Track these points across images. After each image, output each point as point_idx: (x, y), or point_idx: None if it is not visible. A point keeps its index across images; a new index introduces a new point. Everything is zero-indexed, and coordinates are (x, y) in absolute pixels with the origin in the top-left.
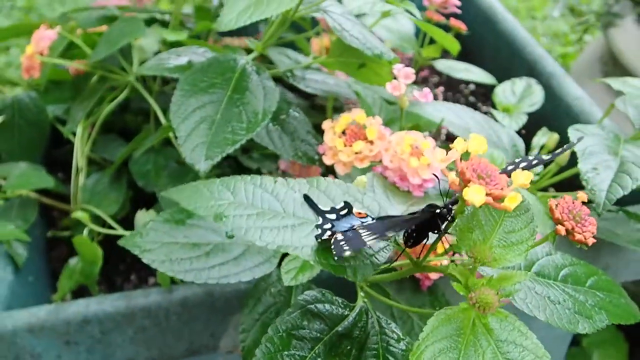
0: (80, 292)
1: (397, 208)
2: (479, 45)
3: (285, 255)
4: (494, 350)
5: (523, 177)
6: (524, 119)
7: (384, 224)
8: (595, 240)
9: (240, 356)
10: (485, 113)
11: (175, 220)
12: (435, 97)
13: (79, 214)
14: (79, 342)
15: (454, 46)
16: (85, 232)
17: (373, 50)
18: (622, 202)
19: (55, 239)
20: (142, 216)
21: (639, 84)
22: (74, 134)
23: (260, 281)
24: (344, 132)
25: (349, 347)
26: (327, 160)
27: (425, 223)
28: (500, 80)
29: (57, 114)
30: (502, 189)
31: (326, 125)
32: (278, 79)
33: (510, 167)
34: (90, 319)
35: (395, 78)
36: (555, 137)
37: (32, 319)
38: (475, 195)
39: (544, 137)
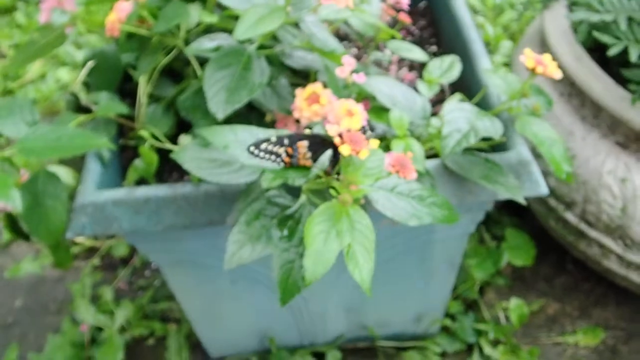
0: (140, 181)
1: None
2: (439, 24)
3: None
4: (349, 221)
5: (374, 143)
6: (437, 89)
7: (282, 137)
8: (415, 176)
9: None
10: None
11: (203, 144)
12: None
13: (143, 132)
14: (142, 212)
15: (398, 35)
16: (147, 144)
17: (329, 47)
18: (490, 150)
19: (125, 146)
20: (184, 139)
21: (507, 78)
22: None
23: (250, 183)
24: (308, 97)
25: (290, 222)
26: (296, 115)
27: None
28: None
29: (128, 60)
30: (359, 148)
31: (297, 92)
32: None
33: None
34: (150, 199)
35: (343, 64)
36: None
37: (114, 196)
38: (345, 150)
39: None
